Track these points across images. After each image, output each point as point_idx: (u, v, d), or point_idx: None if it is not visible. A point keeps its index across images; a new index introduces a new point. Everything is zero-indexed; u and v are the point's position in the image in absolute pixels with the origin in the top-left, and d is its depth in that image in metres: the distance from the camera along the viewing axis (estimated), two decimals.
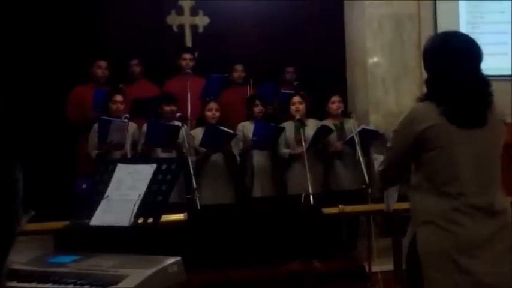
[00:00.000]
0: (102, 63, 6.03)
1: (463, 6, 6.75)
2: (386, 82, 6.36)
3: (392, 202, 3.71)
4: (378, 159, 3.88)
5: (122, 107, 5.50)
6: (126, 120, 5.19)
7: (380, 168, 2.60)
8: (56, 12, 6.39)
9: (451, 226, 2.35)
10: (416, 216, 2.50)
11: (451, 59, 2.41)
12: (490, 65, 6.72)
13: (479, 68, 2.45)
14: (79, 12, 6.45)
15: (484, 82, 2.42)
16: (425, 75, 2.54)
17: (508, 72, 6.42)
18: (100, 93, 5.67)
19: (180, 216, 4.28)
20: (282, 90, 6.22)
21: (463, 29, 6.65)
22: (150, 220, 2.76)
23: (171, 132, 5.32)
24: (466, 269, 2.34)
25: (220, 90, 6.11)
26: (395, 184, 2.69)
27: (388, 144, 2.58)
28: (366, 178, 5.25)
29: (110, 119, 5.26)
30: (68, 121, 5.96)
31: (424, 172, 2.45)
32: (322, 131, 5.65)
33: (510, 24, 6.66)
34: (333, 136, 5.81)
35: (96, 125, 5.44)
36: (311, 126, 5.77)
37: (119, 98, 5.51)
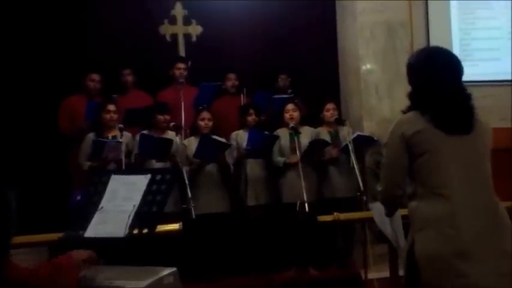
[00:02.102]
0: (95, 76, 6.03)
1: (454, 13, 6.78)
2: (379, 89, 6.38)
3: (401, 236, 3.72)
4: (375, 207, 3.92)
5: (115, 116, 5.50)
6: (121, 141, 5.18)
7: (380, 189, 2.64)
8: (48, 22, 6.39)
9: (448, 230, 2.40)
10: (414, 223, 2.54)
11: (435, 73, 2.52)
12: (482, 71, 6.77)
13: (461, 81, 2.57)
14: (71, 22, 6.46)
15: (465, 94, 2.54)
16: (408, 88, 2.64)
17: (500, 78, 6.44)
18: (92, 105, 5.67)
19: (175, 226, 4.26)
20: (276, 96, 6.22)
21: (455, 35, 6.70)
22: (145, 231, 2.76)
23: (163, 145, 5.31)
24: (464, 273, 2.37)
25: (213, 98, 6.11)
26: (398, 203, 2.67)
27: (383, 161, 2.63)
28: (361, 185, 5.26)
29: (104, 140, 5.25)
30: (60, 132, 5.95)
31: (417, 178, 2.52)
32: (318, 144, 5.65)
33: (502, 30, 6.70)
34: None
35: (89, 136, 5.44)
36: (305, 134, 5.77)
37: (112, 107, 5.50)
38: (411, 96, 2.60)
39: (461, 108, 2.50)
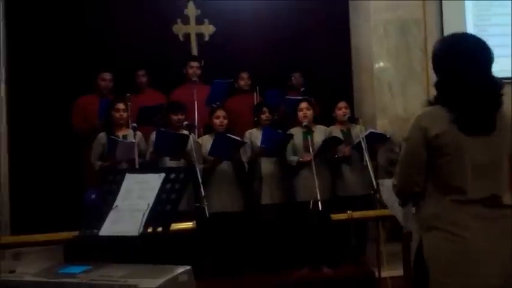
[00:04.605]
0: (107, 75, 6.07)
1: (469, 9, 6.72)
2: (393, 87, 6.35)
3: (411, 218, 3.70)
4: (384, 184, 3.90)
5: (124, 115, 5.50)
6: (134, 141, 5.19)
7: (395, 182, 2.55)
8: (62, 22, 6.44)
9: (458, 230, 2.36)
10: (422, 223, 2.50)
11: (460, 60, 2.39)
12: (499, 67, 6.69)
13: (490, 69, 2.42)
14: (85, 22, 6.51)
15: (495, 84, 2.40)
16: (433, 78, 2.51)
17: None
18: (105, 103, 5.70)
19: (188, 225, 4.28)
20: (289, 97, 6.22)
21: (470, 31, 6.63)
22: (160, 229, 2.77)
23: (179, 141, 5.31)
24: (473, 273, 2.34)
25: (226, 95, 6.13)
26: (412, 197, 2.58)
27: (400, 156, 2.54)
28: (374, 183, 5.24)
29: (117, 139, 5.25)
30: (73, 131, 6.00)
31: (432, 178, 2.45)
32: (331, 142, 5.64)
33: None
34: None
35: (100, 135, 5.47)
36: (318, 133, 5.77)
37: (121, 106, 5.50)
38: (437, 86, 2.47)
39: (487, 105, 2.36)
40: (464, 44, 2.45)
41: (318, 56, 7.01)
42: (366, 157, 5.42)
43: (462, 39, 2.50)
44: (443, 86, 2.43)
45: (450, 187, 2.39)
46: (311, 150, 5.51)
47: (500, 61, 6.39)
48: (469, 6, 6.73)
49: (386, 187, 3.92)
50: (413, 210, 3.64)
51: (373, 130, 5.85)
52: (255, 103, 6.15)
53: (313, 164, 5.40)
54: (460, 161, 2.37)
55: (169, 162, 5.39)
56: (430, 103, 2.47)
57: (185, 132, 5.40)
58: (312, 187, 5.30)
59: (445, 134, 2.36)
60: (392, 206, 3.86)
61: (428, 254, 2.42)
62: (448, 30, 6.45)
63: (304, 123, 5.65)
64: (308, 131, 5.67)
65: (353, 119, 5.91)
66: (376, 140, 5.74)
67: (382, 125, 6.23)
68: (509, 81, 6.04)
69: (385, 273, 4.77)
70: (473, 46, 2.44)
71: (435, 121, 2.38)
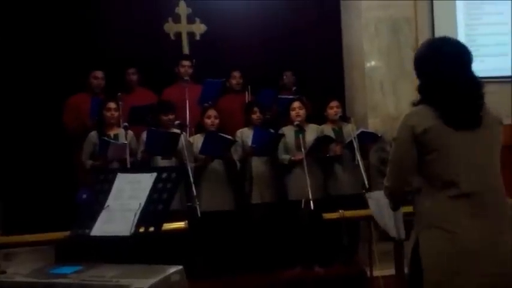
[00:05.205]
0: (99, 73, 6.06)
1: (460, 8, 6.74)
2: (384, 85, 6.35)
3: (402, 227, 3.72)
4: (372, 196, 3.92)
5: (116, 114, 5.49)
6: (126, 142, 5.17)
7: (387, 184, 2.57)
8: (52, 20, 6.39)
9: (454, 228, 2.37)
10: (418, 221, 2.52)
11: (443, 63, 2.46)
12: (489, 66, 6.73)
13: (471, 70, 2.50)
14: (75, 20, 6.46)
15: (476, 84, 2.47)
16: (415, 83, 2.59)
17: (508, 73, 6.42)
18: (97, 101, 5.68)
19: (180, 224, 4.27)
20: (281, 96, 6.22)
21: (461, 30, 6.66)
22: (151, 229, 2.76)
23: (171, 139, 5.30)
24: (469, 271, 2.35)
25: (218, 94, 6.13)
26: (404, 198, 2.61)
27: (390, 156, 2.57)
28: (366, 182, 5.25)
29: (109, 140, 5.24)
30: (65, 130, 5.97)
31: (424, 175, 2.48)
32: (322, 141, 5.64)
33: (509, 25, 6.66)
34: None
35: (91, 134, 5.45)
36: (310, 132, 5.77)
37: (112, 105, 5.49)
38: (420, 89, 2.54)
39: (471, 103, 2.43)
40: (446, 47, 2.53)
41: (310, 55, 7.01)
42: (358, 156, 5.43)
43: (444, 42, 2.57)
44: (427, 88, 2.50)
45: (443, 182, 2.41)
46: (303, 149, 5.51)
47: (488, 60, 6.51)
48: (460, 5, 6.76)
49: (375, 199, 3.93)
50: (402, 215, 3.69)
51: (364, 129, 5.86)
52: (247, 102, 6.14)
53: (305, 163, 5.40)
54: (449, 156, 2.40)
55: (160, 161, 5.38)
56: (414, 105, 2.54)
57: (176, 131, 5.39)
58: (303, 186, 5.30)
59: (432, 128, 2.41)
60: (381, 219, 3.88)
61: (424, 252, 2.43)
62: (439, 29, 6.49)
63: (296, 123, 5.66)
64: (300, 130, 5.67)
65: (345, 118, 5.92)
66: (368, 139, 5.75)
67: (373, 124, 6.24)
68: (509, 80, 6.16)
69: (377, 272, 4.77)
70: (455, 48, 2.52)
71: (422, 118, 2.44)
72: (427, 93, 2.49)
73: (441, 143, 2.41)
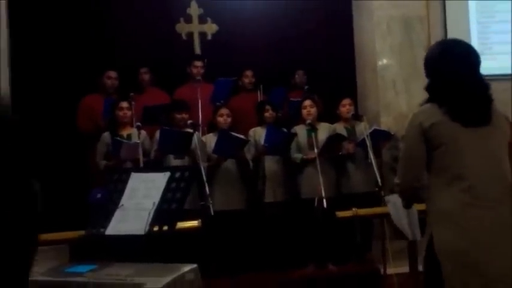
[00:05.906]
0: (112, 73, 6.09)
1: (472, 6, 6.70)
2: (396, 84, 6.34)
3: (417, 227, 3.73)
4: (391, 199, 3.95)
5: (128, 113, 5.51)
6: (139, 142, 5.20)
7: (397, 181, 2.62)
8: (65, 22, 6.44)
9: (465, 222, 2.40)
10: (431, 216, 2.55)
11: (452, 65, 2.53)
12: (501, 64, 6.66)
13: (479, 72, 2.58)
14: (89, 22, 6.50)
15: (483, 85, 2.54)
16: (425, 82, 2.65)
17: None
18: (110, 101, 5.71)
19: (194, 223, 4.29)
20: (292, 99, 6.22)
21: (473, 28, 6.63)
22: (165, 228, 2.78)
23: (184, 138, 5.32)
24: (483, 264, 2.37)
25: (230, 93, 6.15)
26: (416, 195, 2.64)
27: (400, 154, 2.63)
28: (379, 180, 5.24)
29: (121, 140, 5.26)
30: (79, 130, 6.01)
31: (433, 170, 2.52)
32: (335, 139, 5.64)
33: None
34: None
35: (104, 135, 5.48)
36: (322, 130, 5.77)
37: (124, 104, 5.51)
38: (428, 88, 2.61)
39: (478, 100, 2.50)
40: (457, 48, 2.60)
41: (321, 54, 7.01)
42: (371, 154, 5.41)
43: (455, 44, 2.66)
44: (436, 88, 2.57)
45: (451, 176, 2.46)
46: (315, 148, 5.51)
47: (501, 58, 6.46)
48: (472, 3, 6.72)
49: (393, 203, 3.95)
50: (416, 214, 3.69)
51: (377, 127, 5.85)
52: (259, 101, 6.15)
53: (317, 161, 5.40)
54: (457, 149, 2.45)
55: (173, 161, 5.41)
56: (422, 105, 2.61)
57: (189, 130, 5.41)
58: (316, 184, 5.30)
59: (439, 123, 2.47)
60: (400, 222, 3.90)
61: (439, 247, 2.44)
62: (451, 28, 6.46)
63: (308, 121, 5.66)
64: (312, 129, 5.66)
65: (357, 117, 5.90)
66: (380, 137, 5.74)
67: (386, 122, 6.23)
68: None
69: (390, 270, 4.77)
70: (465, 50, 2.60)
71: (429, 114, 2.51)
72: (436, 92, 2.55)
73: (449, 137, 2.46)
